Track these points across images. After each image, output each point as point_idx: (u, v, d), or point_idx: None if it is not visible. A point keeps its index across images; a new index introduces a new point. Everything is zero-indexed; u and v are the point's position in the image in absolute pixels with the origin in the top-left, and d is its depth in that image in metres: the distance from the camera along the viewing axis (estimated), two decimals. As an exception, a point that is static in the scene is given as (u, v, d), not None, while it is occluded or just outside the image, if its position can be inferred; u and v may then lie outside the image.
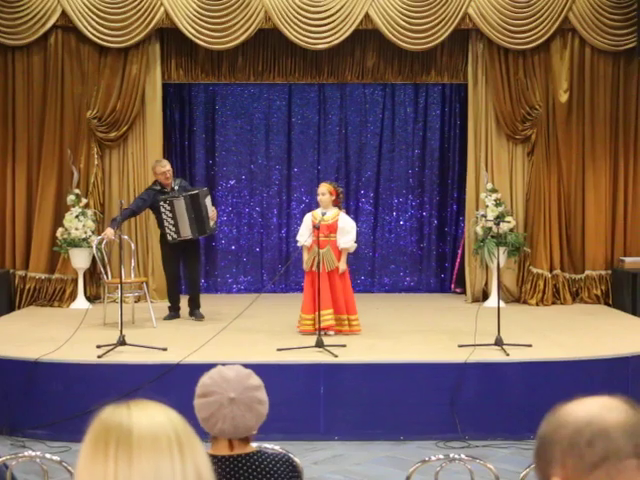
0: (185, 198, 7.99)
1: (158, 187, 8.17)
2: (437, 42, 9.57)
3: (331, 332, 7.35)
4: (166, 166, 8.24)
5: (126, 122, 9.70)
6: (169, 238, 8.00)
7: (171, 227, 7.96)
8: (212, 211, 8.19)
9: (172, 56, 10.01)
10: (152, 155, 9.82)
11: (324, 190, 7.47)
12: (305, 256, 7.51)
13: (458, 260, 10.45)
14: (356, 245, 7.61)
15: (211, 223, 8.17)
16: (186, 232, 7.96)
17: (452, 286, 10.65)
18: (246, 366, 2.53)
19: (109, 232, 7.88)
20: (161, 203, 7.97)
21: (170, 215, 7.94)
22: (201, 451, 1.32)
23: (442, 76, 10.16)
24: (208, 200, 8.20)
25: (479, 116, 9.83)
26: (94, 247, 8.66)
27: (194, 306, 8.34)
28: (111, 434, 1.26)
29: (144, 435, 1.25)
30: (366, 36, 9.91)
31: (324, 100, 10.87)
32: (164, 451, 1.25)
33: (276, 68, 10.09)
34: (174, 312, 8.42)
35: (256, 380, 2.49)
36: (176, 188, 8.22)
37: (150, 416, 1.29)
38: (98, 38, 9.47)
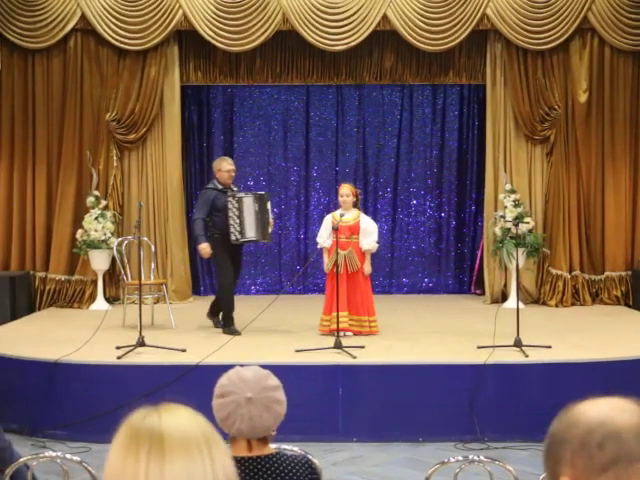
0: (254, 196, 7.53)
1: (219, 186, 7.58)
2: (455, 43, 9.54)
3: (349, 333, 7.34)
4: (232, 164, 7.78)
5: (145, 124, 9.73)
6: (232, 238, 7.37)
7: (236, 226, 7.38)
8: (271, 218, 7.70)
9: (190, 58, 10.03)
10: (171, 157, 9.87)
11: (348, 192, 7.46)
12: (326, 258, 7.50)
13: (477, 261, 10.40)
14: (378, 245, 7.60)
15: (269, 230, 7.67)
16: (251, 233, 7.41)
17: (472, 288, 10.61)
18: (265, 367, 2.53)
19: (206, 247, 7.43)
20: (229, 199, 7.36)
21: (237, 213, 7.37)
22: (227, 452, 1.34)
23: (460, 77, 10.12)
24: (269, 205, 7.70)
25: (498, 117, 9.78)
26: (114, 249, 8.70)
27: (216, 312, 7.82)
28: (143, 438, 1.27)
29: (175, 438, 1.26)
30: (384, 37, 9.88)
31: (342, 101, 10.86)
32: (195, 453, 1.27)
33: (294, 70, 10.09)
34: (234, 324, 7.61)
35: (274, 380, 2.49)
36: (235, 189, 7.77)
37: (179, 419, 1.31)
38: (117, 41, 9.52)
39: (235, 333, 7.38)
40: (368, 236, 7.38)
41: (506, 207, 9.49)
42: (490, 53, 9.79)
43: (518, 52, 9.63)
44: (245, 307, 8.89)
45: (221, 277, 7.74)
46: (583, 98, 9.66)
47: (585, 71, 9.65)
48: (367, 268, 7.37)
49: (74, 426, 6.20)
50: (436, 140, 10.83)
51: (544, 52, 9.60)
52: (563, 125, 9.68)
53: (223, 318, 7.59)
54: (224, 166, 7.64)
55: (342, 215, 7.31)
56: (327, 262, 7.45)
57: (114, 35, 9.51)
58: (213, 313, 7.93)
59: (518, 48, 9.59)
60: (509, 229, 9.17)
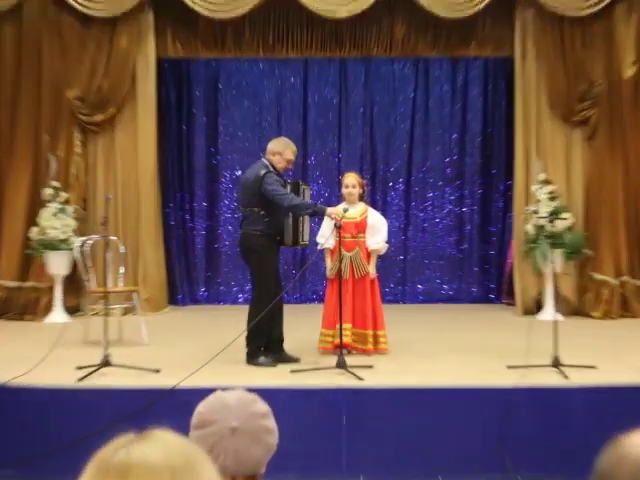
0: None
1: (276, 172, 7.07)
2: (478, 8, 9.48)
3: (353, 351, 7.26)
4: (295, 154, 7.31)
5: (114, 104, 9.73)
6: (300, 240, 7.11)
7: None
8: None
9: (168, 27, 10.02)
10: (144, 142, 9.85)
11: (354, 182, 7.37)
12: (328, 262, 7.41)
13: (508, 265, 10.39)
14: (387, 246, 7.54)
15: None
16: (306, 236, 7.23)
17: (501, 296, 10.64)
18: (252, 391, 2.45)
19: (335, 209, 6.98)
20: (303, 188, 7.15)
21: None
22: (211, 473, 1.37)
23: (484, 48, 10.14)
24: None
25: (529, 94, 9.77)
26: (76, 250, 8.57)
27: (281, 346, 7.16)
28: (110, 472, 1.31)
29: (143, 473, 1.30)
30: (395, 2, 9.84)
31: (346, 77, 10.91)
32: None
33: (289, 40, 10.08)
34: (277, 351, 7.05)
35: (262, 406, 2.39)
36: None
37: (153, 449, 1.34)
38: (81, 6, 9.45)
39: (267, 365, 6.85)
40: (376, 234, 7.34)
41: (540, 200, 9.46)
42: (519, 20, 9.78)
43: (552, 19, 9.59)
44: (231, 319, 8.79)
45: (261, 289, 7.00)
46: (630, 72, 9.66)
47: (632, 40, 9.62)
48: (372, 271, 7.32)
49: (25, 464, 6.07)
50: (456, 122, 10.89)
51: (583, 19, 9.56)
52: (607, 104, 9.69)
53: (250, 342, 6.95)
54: (288, 154, 7.14)
55: (346, 210, 7.18)
56: (330, 266, 7.36)
57: (78, -1, 9.46)
58: (279, 349, 7.15)
59: (552, 14, 9.53)
60: (543, 226, 9.22)
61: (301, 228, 7.09)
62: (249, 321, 6.92)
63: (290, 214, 6.95)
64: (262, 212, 6.90)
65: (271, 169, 6.98)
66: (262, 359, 6.93)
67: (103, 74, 9.65)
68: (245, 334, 6.91)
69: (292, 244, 7.12)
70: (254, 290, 7.16)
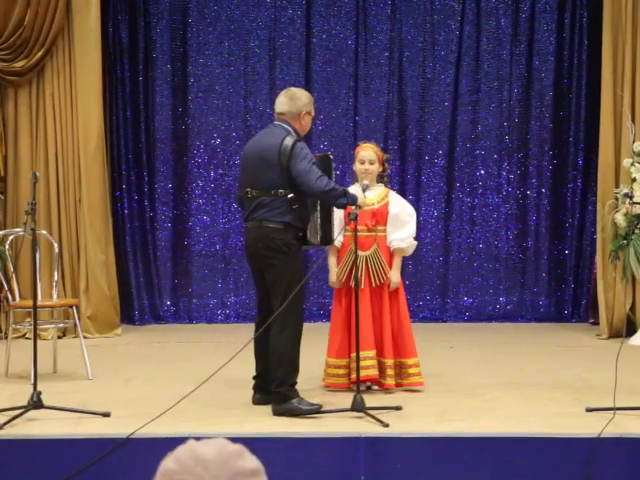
0: None
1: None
2: None
3: (374, 386, 7.30)
4: None
5: (41, 45, 9.72)
6: (333, 239, 7.14)
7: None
8: None
9: None
10: (84, 99, 9.84)
11: (372, 155, 7.37)
12: (333, 264, 7.44)
13: (595, 270, 10.36)
14: (416, 243, 7.54)
15: None
16: (336, 232, 7.19)
17: (580, 312, 10.69)
18: (236, 441, 2.48)
19: (363, 198, 6.96)
20: (333, 155, 7.24)
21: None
22: None
23: (559, -36, 10.18)
24: None
25: (622, 32, 9.77)
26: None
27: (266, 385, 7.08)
28: None
29: None
30: None
31: (364, 8, 10.89)
32: None
33: (286, -45, 10.14)
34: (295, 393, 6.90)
35: (250, 461, 2.40)
36: None
37: None
38: None
39: (312, 409, 6.75)
40: (401, 227, 7.36)
41: (635, 180, 9.46)
42: None
43: None
44: (208, 344, 8.83)
45: (291, 305, 6.73)
46: None
47: None
48: (394, 277, 7.31)
49: None
50: (519, 71, 10.89)
51: None
52: None
53: (278, 385, 6.83)
54: (312, 109, 7.14)
55: (366, 188, 7.23)
56: (337, 270, 7.39)
57: None
58: (262, 388, 7.16)
59: None
60: (640, 217, 9.17)
61: (332, 220, 7.00)
62: (279, 352, 6.79)
63: (318, 202, 6.88)
64: (291, 196, 6.73)
65: (296, 136, 6.87)
66: (305, 402, 6.78)
67: (25, 3, 9.61)
68: (275, 370, 6.80)
69: (320, 243, 7.02)
70: (280, 306, 6.73)
